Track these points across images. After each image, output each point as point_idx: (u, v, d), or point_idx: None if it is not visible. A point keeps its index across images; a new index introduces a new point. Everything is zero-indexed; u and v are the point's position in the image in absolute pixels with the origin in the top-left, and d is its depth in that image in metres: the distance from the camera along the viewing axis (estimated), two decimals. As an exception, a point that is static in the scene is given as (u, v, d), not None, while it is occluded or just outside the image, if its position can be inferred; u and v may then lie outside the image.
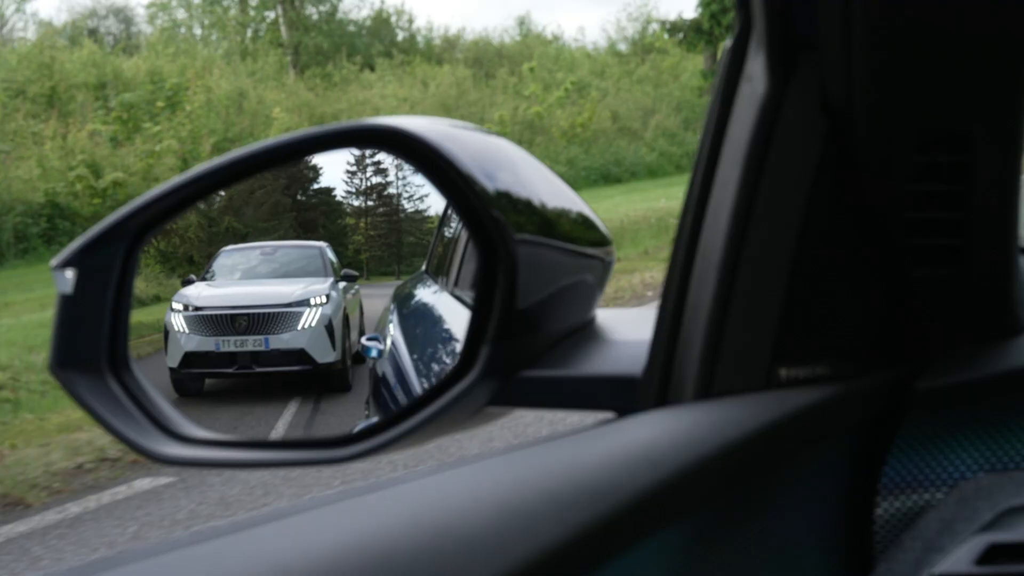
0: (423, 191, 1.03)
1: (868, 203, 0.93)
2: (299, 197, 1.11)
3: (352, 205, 1.10)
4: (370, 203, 1.07)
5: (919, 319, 0.96)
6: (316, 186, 1.08)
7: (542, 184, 1.04)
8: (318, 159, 1.08)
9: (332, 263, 1.33)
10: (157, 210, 1.02)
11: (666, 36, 33.88)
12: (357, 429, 1.00)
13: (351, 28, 41.47)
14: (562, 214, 1.05)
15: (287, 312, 1.38)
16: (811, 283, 0.90)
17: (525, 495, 0.65)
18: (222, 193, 1.11)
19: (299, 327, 1.38)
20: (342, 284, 1.39)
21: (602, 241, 1.11)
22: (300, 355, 1.37)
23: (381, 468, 5.02)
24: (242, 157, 1.02)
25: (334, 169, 1.05)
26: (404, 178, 1.04)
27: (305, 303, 1.40)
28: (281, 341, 1.35)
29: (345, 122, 1.01)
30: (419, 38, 43.00)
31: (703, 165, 0.93)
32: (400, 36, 42.74)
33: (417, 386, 1.06)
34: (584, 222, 1.09)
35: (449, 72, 32.17)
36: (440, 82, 31.00)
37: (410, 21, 49.23)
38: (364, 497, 0.64)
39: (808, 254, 0.89)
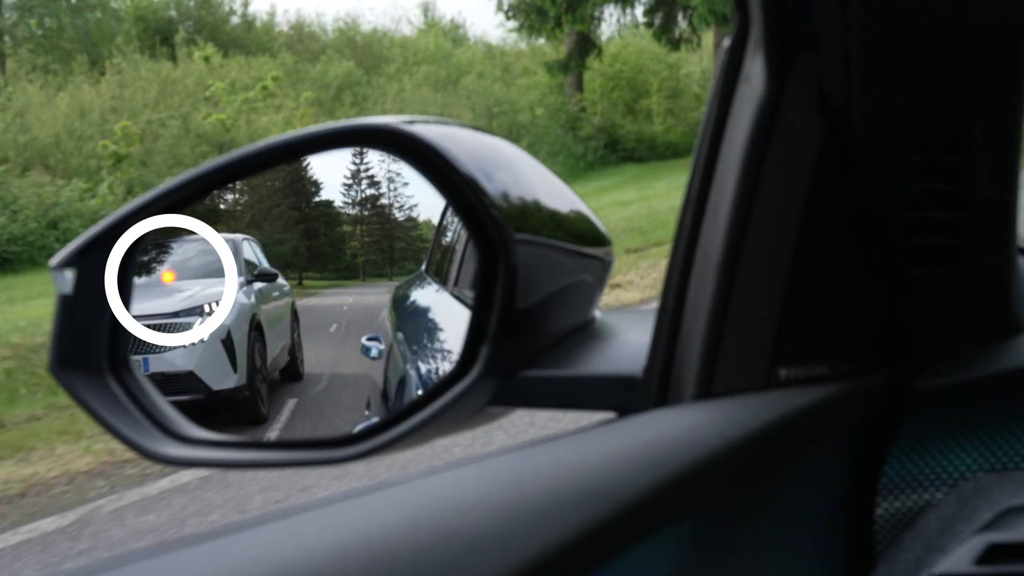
0: (412, 201, 1.06)
1: (867, 203, 0.93)
2: (304, 210, 1.12)
3: (349, 214, 1.12)
4: (365, 213, 1.10)
5: (919, 319, 0.96)
6: (317, 199, 1.10)
7: (541, 184, 1.04)
8: (319, 174, 1.10)
9: (249, 261, 1.13)
10: (157, 210, 1.02)
11: (508, 21, 27.44)
12: (357, 429, 1.00)
13: (171, 11, 34.89)
14: (561, 214, 1.05)
15: (171, 324, 1.12)
16: (810, 283, 0.90)
17: (525, 495, 0.65)
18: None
19: (187, 343, 1.12)
20: (259, 285, 1.16)
21: (601, 241, 1.11)
22: (188, 379, 1.11)
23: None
24: (242, 157, 1.02)
25: (333, 184, 1.08)
26: (395, 190, 1.05)
27: (196, 311, 1.15)
28: (164, 362, 1.10)
29: (344, 121, 1.01)
30: (259, 25, 36.60)
31: (702, 166, 0.93)
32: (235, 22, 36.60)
33: (418, 386, 1.06)
34: (583, 222, 1.09)
35: (126, 68, 25.74)
36: (122, 79, 25.13)
37: (244, 5, 41.91)
38: (364, 497, 0.64)
39: (807, 254, 0.89)
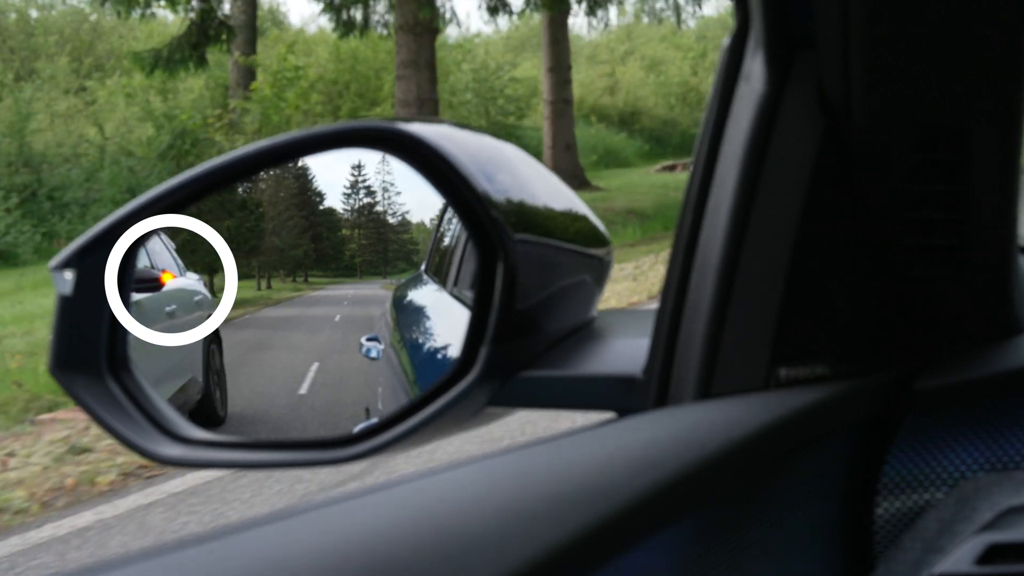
0: (404, 208, 1.12)
1: (867, 202, 0.93)
2: (311, 218, 1.19)
3: (348, 220, 1.19)
4: (362, 219, 1.17)
5: (918, 319, 0.96)
6: (321, 208, 1.18)
7: (541, 185, 1.04)
8: (322, 184, 1.14)
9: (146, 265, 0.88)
10: (157, 210, 1.02)
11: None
12: (357, 430, 1.00)
13: None
14: (561, 214, 1.05)
15: None
16: (810, 283, 0.90)
17: (525, 496, 0.65)
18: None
19: None
20: (136, 297, 0.90)
21: (601, 241, 1.11)
22: None
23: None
24: (243, 156, 1.02)
25: (334, 192, 1.15)
26: (389, 198, 1.10)
27: None
28: None
29: (345, 122, 1.01)
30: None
31: (701, 165, 0.93)
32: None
33: (417, 387, 1.06)
34: (583, 222, 1.09)
35: None
36: None
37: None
38: (365, 498, 0.64)
39: (807, 254, 0.89)
